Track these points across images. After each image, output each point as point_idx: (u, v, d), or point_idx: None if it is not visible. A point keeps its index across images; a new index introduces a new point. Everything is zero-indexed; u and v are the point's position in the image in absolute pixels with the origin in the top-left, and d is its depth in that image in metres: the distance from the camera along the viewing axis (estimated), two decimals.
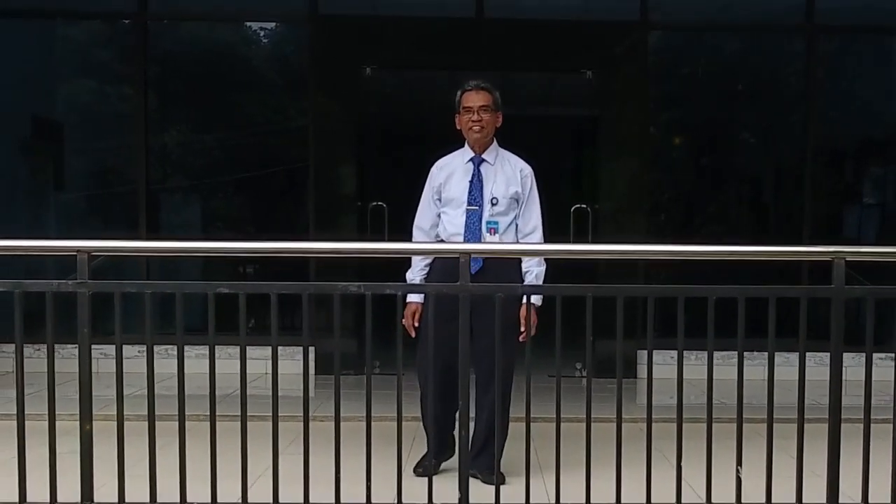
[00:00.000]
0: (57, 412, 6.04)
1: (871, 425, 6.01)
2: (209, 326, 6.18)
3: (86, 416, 6.06)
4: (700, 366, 6.17)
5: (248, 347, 6.29)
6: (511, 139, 9.00)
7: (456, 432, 6.76)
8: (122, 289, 6.43)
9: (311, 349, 7.23)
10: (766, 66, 13.82)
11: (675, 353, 6.47)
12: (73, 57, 13.54)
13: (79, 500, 6.05)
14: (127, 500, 5.94)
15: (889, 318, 8.00)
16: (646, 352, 7.06)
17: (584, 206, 12.62)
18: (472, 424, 6.83)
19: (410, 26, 12.91)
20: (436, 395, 7.15)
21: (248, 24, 13.72)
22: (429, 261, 8.00)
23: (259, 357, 6.86)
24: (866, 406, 5.99)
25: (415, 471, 7.66)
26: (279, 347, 6.47)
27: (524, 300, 7.02)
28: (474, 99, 7.76)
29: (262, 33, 13.92)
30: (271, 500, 5.97)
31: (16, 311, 6.33)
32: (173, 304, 6.37)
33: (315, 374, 9.95)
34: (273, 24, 13.62)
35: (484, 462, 7.43)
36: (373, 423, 6.07)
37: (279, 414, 6.12)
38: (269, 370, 6.32)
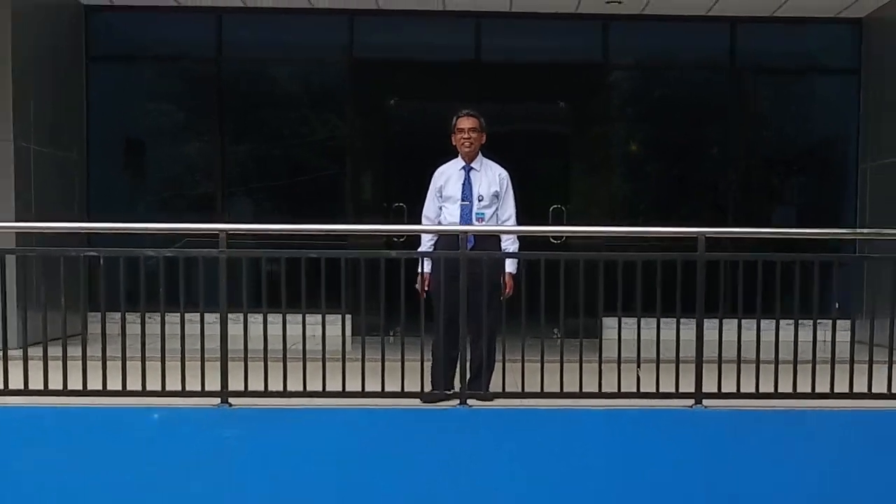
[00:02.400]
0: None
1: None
2: (302, 295, 8.62)
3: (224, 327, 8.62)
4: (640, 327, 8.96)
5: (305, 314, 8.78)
6: (504, 152, 10.89)
7: (457, 370, 9.18)
8: (249, 254, 9.20)
9: (348, 316, 9.79)
10: (700, 96, 15.63)
11: (624, 319, 9.44)
12: (164, 89, 15.24)
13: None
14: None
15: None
16: (607, 318, 10.23)
17: (559, 206, 14.18)
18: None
19: (424, 67, 14.97)
20: (444, 342, 9.29)
21: (300, 64, 15.31)
22: (433, 241, 10.00)
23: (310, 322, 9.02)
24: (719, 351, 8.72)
25: (422, 399, 9.30)
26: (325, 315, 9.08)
27: (506, 267, 9.48)
28: (465, 123, 9.73)
29: (310, 70, 15.44)
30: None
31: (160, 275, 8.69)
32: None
33: (351, 335, 10.68)
34: (319, 64, 15.15)
35: (477, 386, 9.35)
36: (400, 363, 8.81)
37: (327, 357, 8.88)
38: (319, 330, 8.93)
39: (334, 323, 9.75)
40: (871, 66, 14.71)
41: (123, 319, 9.18)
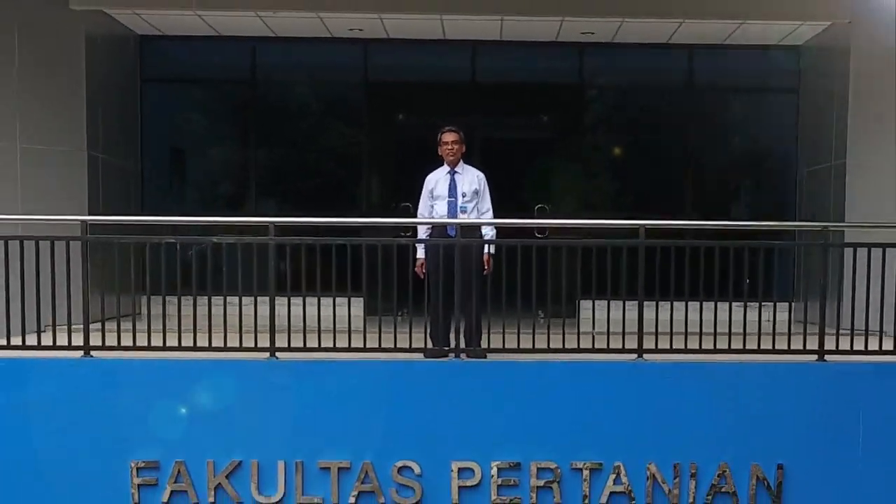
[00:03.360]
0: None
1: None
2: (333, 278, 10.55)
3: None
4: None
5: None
6: (496, 158, 12.48)
7: (451, 333, 11.04)
8: (291, 241, 10.71)
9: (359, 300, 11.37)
10: (663, 111, 16.71)
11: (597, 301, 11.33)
12: (205, 106, 16.55)
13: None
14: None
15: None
16: (583, 301, 11.93)
17: (543, 205, 15.38)
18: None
19: (428, 86, 16.22)
20: (441, 312, 11.03)
21: (322, 85, 16.45)
22: (428, 233, 11.55)
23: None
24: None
25: (425, 354, 11.03)
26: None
27: (485, 249, 11.12)
28: (448, 137, 11.35)
29: (330, 90, 16.49)
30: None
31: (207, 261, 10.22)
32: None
33: (364, 314, 12.08)
34: (338, 85, 16.34)
35: (470, 345, 11.12)
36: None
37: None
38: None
39: (357, 298, 11.29)
40: (806, 86, 15.86)
41: (195, 297, 10.83)
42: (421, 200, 11.91)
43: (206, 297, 10.90)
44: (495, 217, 11.92)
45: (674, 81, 16.24)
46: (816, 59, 15.54)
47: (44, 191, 13.55)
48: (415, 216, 12.34)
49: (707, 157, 16.25)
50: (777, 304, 11.60)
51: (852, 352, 11.21)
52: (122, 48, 15.33)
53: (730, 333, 11.05)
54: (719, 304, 11.15)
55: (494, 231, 11.65)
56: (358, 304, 11.63)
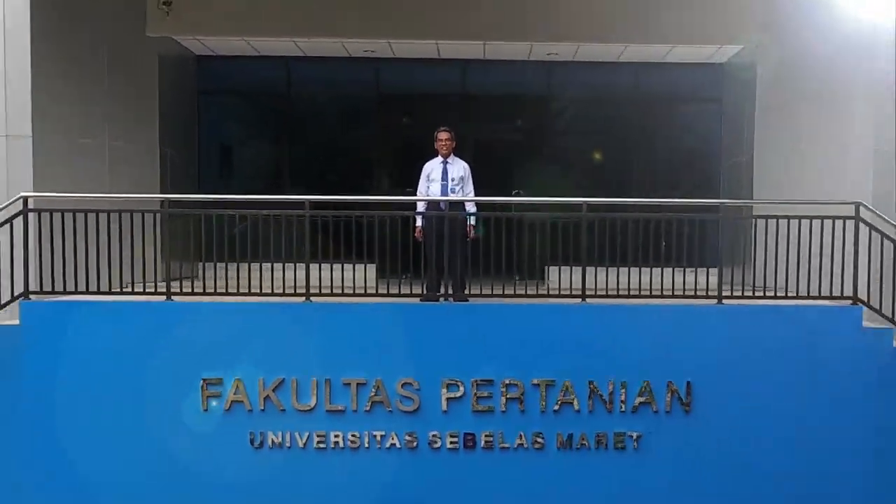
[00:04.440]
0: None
1: None
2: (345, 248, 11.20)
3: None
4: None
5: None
6: (481, 154, 12.93)
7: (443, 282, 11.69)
8: (321, 214, 11.51)
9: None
10: (614, 117, 17.15)
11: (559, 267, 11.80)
12: (249, 113, 17.25)
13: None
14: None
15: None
16: (551, 267, 12.47)
17: (518, 191, 15.80)
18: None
19: (427, 96, 16.98)
20: (434, 267, 12.00)
21: (343, 95, 16.92)
22: (424, 208, 12.20)
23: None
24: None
25: (421, 298, 11.79)
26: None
27: (469, 221, 11.92)
28: (443, 135, 12.30)
29: (350, 100, 16.93)
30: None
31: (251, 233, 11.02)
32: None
33: (376, 277, 12.70)
34: (356, 96, 16.83)
35: (455, 291, 11.99)
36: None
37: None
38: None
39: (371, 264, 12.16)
40: (727, 97, 16.38)
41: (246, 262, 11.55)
42: (420, 182, 12.70)
43: (258, 260, 11.75)
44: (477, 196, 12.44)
45: (623, 93, 16.60)
46: (734, 76, 15.95)
47: (126, 176, 14.04)
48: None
49: (649, 154, 16.65)
50: (699, 268, 12.23)
51: (742, 297, 11.89)
52: (184, 66, 15.79)
53: (650, 287, 11.89)
54: (654, 268, 12.00)
55: (475, 207, 12.39)
56: (371, 269, 12.48)
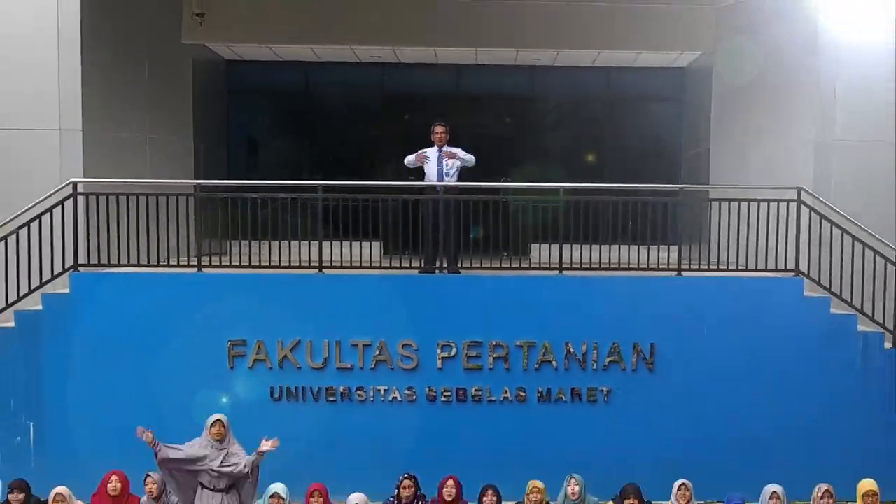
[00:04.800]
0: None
1: None
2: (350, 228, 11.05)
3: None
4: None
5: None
6: (474, 147, 12.51)
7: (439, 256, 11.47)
8: (332, 196, 11.21)
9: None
10: (590, 114, 16.94)
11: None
12: (272, 111, 16.95)
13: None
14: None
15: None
16: (534, 244, 12.06)
17: (506, 178, 15.22)
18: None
19: (426, 96, 16.58)
20: (431, 243, 11.67)
21: (354, 95, 16.65)
22: (413, 163, 11.95)
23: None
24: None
25: (419, 270, 11.65)
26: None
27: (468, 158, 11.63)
28: (439, 128, 11.91)
29: (359, 99, 16.67)
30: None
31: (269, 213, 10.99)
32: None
33: (380, 252, 12.46)
34: (364, 96, 16.62)
35: (450, 264, 11.74)
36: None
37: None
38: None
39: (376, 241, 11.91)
40: (688, 96, 16.23)
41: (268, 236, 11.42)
42: (415, 154, 12.19)
43: (277, 238, 11.71)
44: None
45: (596, 93, 16.43)
46: (694, 78, 15.82)
47: (163, 166, 13.94)
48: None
49: (619, 146, 16.41)
50: (661, 245, 12.01)
51: (699, 270, 11.90)
52: (215, 69, 15.65)
53: (619, 261, 11.86)
54: (622, 244, 11.99)
55: (472, 157, 12.13)
56: (376, 245, 12.39)
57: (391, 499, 8.95)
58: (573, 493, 9.03)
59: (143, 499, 8.84)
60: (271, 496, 8.73)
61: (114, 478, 8.80)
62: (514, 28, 14.70)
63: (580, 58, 15.60)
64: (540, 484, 9.13)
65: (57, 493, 8.69)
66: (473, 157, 12.13)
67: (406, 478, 9.12)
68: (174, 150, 14.43)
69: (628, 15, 14.56)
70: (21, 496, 8.77)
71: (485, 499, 9.04)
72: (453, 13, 14.56)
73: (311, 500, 8.85)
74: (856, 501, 9.02)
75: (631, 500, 8.73)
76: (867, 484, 9.01)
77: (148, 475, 8.79)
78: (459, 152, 12.03)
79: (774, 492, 9.03)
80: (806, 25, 13.56)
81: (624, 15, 14.57)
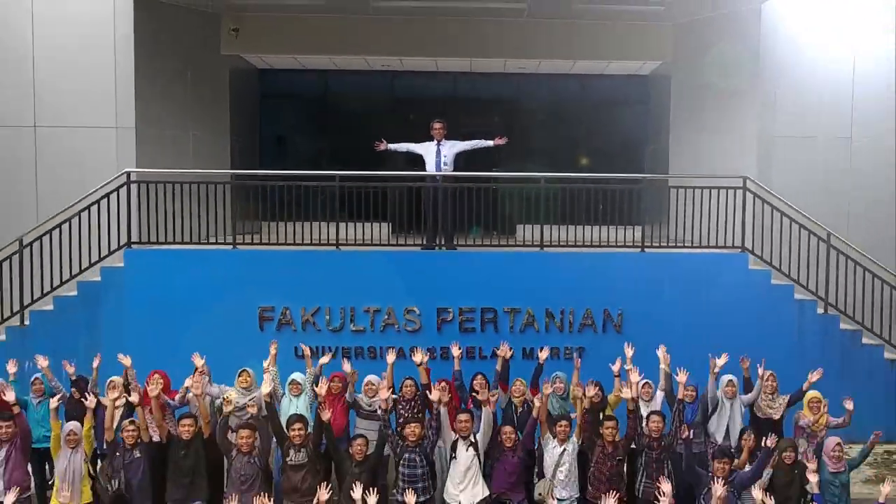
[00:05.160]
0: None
1: None
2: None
3: None
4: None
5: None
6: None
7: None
8: (348, 185, 11.10)
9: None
10: (567, 116, 16.40)
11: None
12: (297, 112, 16.48)
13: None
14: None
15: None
16: (519, 225, 12.13)
17: (495, 169, 15.01)
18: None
19: (428, 99, 16.20)
20: (431, 223, 11.47)
21: (368, 98, 16.22)
22: (407, 147, 11.70)
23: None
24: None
25: (421, 247, 11.57)
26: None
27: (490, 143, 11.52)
28: (437, 125, 11.52)
29: (371, 103, 16.15)
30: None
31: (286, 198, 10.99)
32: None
33: (388, 232, 12.67)
34: (377, 99, 16.24)
35: (447, 241, 11.51)
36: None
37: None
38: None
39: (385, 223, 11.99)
40: (652, 99, 15.92)
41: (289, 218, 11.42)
42: (413, 144, 12.00)
43: (301, 220, 11.64)
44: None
45: (573, 96, 16.20)
46: (656, 83, 15.64)
47: (204, 158, 13.80)
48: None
49: (593, 141, 16.24)
50: (627, 225, 11.98)
51: (660, 247, 11.82)
52: (249, 76, 15.48)
53: (591, 239, 11.64)
54: (594, 225, 11.76)
55: (475, 141, 12.00)
56: (385, 226, 12.52)
57: (398, 394, 8.81)
58: (558, 389, 8.98)
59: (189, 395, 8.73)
60: (290, 383, 8.89)
61: (156, 376, 8.66)
62: (503, 41, 14.51)
63: (559, 66, 15.41)
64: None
65: (110, 382, 8.70)
66: (478, 141, 11.97)
67: (408, 378, 8.96)
68: (213, 145, 14.26)
69: (600, 29, 14.35)
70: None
71: (475, 381, 8.90)
72: (451, 29, 14.34)
73: (332, 384, 8.82)
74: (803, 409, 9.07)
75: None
76: (813, 394, 9.06)
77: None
78: (458, 143, 11.83)
79: (730, 380, 9.07)
80: (750, 40, 13.63)
81: (596, 29, 14.36)
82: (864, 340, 11.63)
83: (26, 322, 11.20)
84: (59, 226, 11.16)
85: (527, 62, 15.21)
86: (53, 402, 8.30)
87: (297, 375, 8.98)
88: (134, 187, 11.44)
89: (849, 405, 8.66)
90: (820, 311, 11.62)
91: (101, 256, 11.34)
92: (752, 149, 13.55)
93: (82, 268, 11.34)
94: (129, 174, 11.46)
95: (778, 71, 13.60)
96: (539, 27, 14.33)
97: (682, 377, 8.40)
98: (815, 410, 8.87)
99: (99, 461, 8.43)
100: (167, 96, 13.59)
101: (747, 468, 8.00)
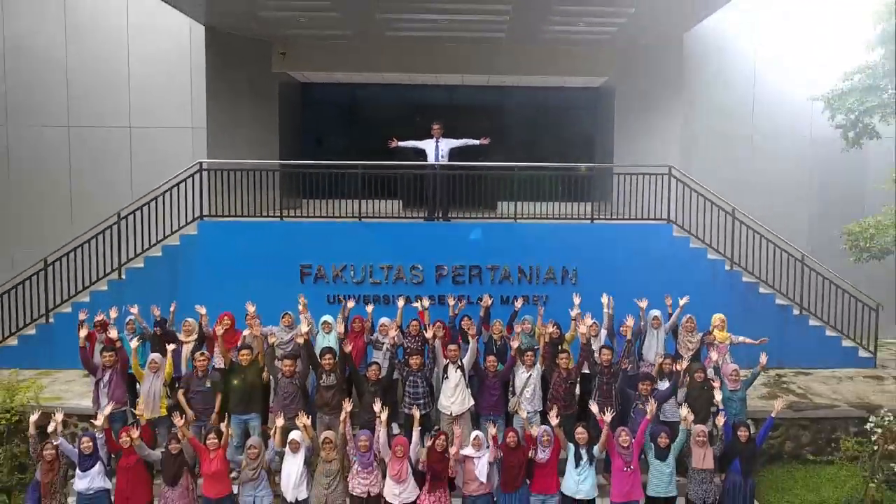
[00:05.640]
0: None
1: None
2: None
3: None
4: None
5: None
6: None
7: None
8: (371, 172, 10.76)
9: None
10: (535, 120, 15.80)
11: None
12: (330, 117, 15.76)
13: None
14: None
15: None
16: (499, 202, 11.83)
17: (481, 159, 14.50)
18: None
19: (429, 106, 15.41)
20: (431, 200, 11.05)
21: (390, 107, 15.51)
22: (413, 145, 11.12)
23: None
24: None
25: (424, 219, 11.11)
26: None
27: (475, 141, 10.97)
28: (435, 126, 11.07)
29: (388, 109, 15.51)
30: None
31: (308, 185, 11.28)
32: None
33: (400, 206, 12.50)
34: (392, 107, 15.55)
35: (444, 214, 11.10)
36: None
37: None
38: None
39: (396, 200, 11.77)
40: (601, 107, 15.46)
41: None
42: (417, 141, 11.51)
43: (333, 197, 11.32)
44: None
45: (541, 104, 15.80)
46: (604, 93, 15.23)
47: (257, 151, 13.47)
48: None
49: (556, 139, 15.81)
50: (580, 202, 11.52)
51: (605, 219, 11.52)
52: (293, 88, 15.09)
53: (554, 213, 11.34)
54: (555, 201, 11.46)
55: (466, 140, 11.43)
56: (398, 202, 12.32)
57: (406, 330, 8.74)
58: (526, 328, 8.82)
59: (246, 332, 8.53)
60: (322, 323, 8.74)
61: (225, 319, 8.53)
62: (487, 61, 14.17)
63: (530, 80, 15.02)
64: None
65: (185, 323, 8.71)
66: (467, 140, 11.50)
67: (413, 320, 8.83)
68: (265, 141, 13.98)
69: (560, 53, 14.01)
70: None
71: (463, 322, 8.78)
72: (447, 52, 14.02)
73: (354, 324, 8.78)
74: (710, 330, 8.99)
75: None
76: (717, 315, 9.09)
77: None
78: (452, 141, 11.44)
79: (656, 316, 8.92)
80: (675, 61, 13.55)
81: (557, 53, 14.02)
82: (761, 290, 11.43)
83: (123, 277, 11.03)
84: (149, 203, 10.98)
85: (505, 77, 14.85)
86: (133, 343, 8.21)
87: (327, 317, 8.84)
88: (205, 174, 11.22)
89: (763, 360, 8.30)
90: (727, 268, 11.41)
91: (180, 226, 11.16)
92: (677, 144, 13.40)
93: (166, 234, 11.17)
94: (201, 164, 11.26)
95: (696, 84, 13.49)
96: (514, 51, 13.98)
97: (629, 321, 8.51)
98: (721, 329, 8.83)
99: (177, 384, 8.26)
100: (230, 103, 13.39)
101: (665, 386, 7.87)
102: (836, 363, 11.25)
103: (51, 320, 10.89)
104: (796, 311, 11.37)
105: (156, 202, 10.91)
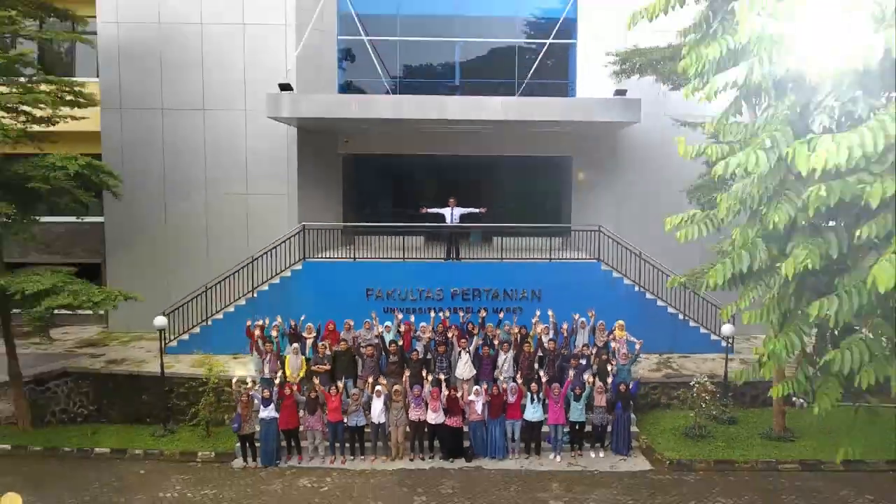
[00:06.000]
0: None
1: None
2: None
3: None
4: None
5: None
6: (461, 180, 15.34)
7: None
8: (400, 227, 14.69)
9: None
10: (515, 186, 17.71)
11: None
12: (373, 180, 18.27)
13: None
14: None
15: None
16: (495, 237, 15.37)
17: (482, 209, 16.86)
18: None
19: (446, 172, 17.48)
20: (448, 248, 14.51)
21: (411, 174, 17.71)
22: (437, 212, 14.07)
23: None
24: None
25: (443, 260, 14.57)
26: None
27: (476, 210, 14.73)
28: (451, 200, 13.86)
29: (412, 175, 17.50)
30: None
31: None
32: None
33: (424, 244, 15.64)
34: (416, 173, 17.79)
35: (456, 257, 14.56)
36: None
37: None
38: None
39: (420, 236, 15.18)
40: (562, 176, 17.48)
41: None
42: (439, 209, 14.20)
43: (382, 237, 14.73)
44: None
45: (520, 173, 17.56)
46: (565, 166, 17.38)
47: (329, 212, 16.67)
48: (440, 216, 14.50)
49: (531, 201, 17.65)
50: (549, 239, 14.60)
51: (559, 259, 14.79)
52: (349, 162, 17.74)
53: (530, 252, 15.06)
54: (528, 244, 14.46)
55: (474, 209, 14.28)
56: (422, 239, 15.47)
57: (435, 330, 12.60)
58: (507, 329, 12.73)
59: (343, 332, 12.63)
60: (385, 326, 12.93)
61: (330, 325, 12.71)
62: (482, 143, 16.83)
63: (514, 153, 17.47)
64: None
65: (307, 326, 12.66)
66: (475, 209, 14.33)
67: (439, 324, 12.78)
68: (332, 201, 17.24)
69: (535, 136, 16.66)
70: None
71: (469, 325, 12.59)
72: (456, 138, 16.62)
73: (402, 327, 12.61)
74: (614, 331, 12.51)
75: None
76: (619, 322, 12.79)
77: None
78: (462, 209, 14.54)
79: (582, 321, 12.68)
80: (610, 142, 16.25)
81: (533, 136, 16.64)
82: (658, 304, 15.05)
83: (255, 295, 14.93)
84: (270, 249, 14.81)
85: (493, 150, 17.15)
86: (288, 351, 12.45)
87: (388, 323, 13.12)
88: (305, 232, 14.97)
89: (638, 346, 12.29)
90: (637, 289, 15.07)
91: (291, 263, 14.98)
92: (612, 204, 16.74)
93: (282, 269, 15.04)
94: (304, 225, 15.00)
95: (628, 158, 16.48)
96: (501, 136, 16.73)
97: (565, 325, 12.57)
98: (620, 329, 12.75)
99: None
100: (311, 176, 16.56)
101: (584, 363, 12.39)
102: (707, 350, 15.09)
103: (209, 323, 15.02)
104: (681, 317, 15.17)
105: (276, 250, 14.83)
